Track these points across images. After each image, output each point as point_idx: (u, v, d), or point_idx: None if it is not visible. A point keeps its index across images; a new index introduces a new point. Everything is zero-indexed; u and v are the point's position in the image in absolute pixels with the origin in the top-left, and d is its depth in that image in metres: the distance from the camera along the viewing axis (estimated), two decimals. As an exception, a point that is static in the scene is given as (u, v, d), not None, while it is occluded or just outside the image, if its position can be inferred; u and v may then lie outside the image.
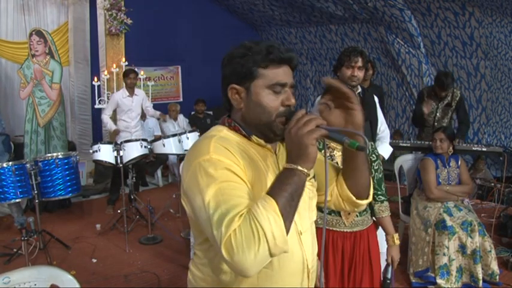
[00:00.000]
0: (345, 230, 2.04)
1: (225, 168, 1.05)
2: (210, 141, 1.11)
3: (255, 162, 1.15)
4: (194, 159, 1.09)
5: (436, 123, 4.07)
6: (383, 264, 2.17)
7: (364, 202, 1.31)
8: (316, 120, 1.04)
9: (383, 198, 2.12)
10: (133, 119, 5.00)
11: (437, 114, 4.07)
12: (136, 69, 5.98)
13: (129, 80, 4.92)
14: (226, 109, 1.25)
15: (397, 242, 2.12)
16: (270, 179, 1.15)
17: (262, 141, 1.18)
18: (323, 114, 1.18)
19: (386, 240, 2.15)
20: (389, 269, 2.09)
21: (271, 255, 0.97)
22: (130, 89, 4.96)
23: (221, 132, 1.18)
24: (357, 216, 2.05)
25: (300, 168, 1.01)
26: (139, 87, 6.20)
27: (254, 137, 1.18)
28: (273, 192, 1.00)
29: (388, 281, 2.08)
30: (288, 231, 1.00)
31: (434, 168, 3.23)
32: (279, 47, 1.15)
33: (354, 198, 1.28)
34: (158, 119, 5.77)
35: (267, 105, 1.14)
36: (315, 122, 1.03)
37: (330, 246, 2.02)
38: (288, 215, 0.99)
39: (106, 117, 4.99)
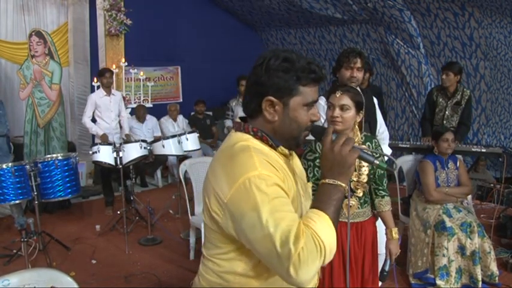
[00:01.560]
0: (346, 220, 2.05)
1: (274, 184, 1.08)
2: (251, 154, 1.11)
3: (285, 171, 1.18)
4: (241, 174, 1.08)
5: (445, 121, 4.07)
6: (382, 259, 2.23)
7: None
8: (352, 140, 1.14)
9: (384, 193, 2.18)
10: (113, 120, 5.02)
11: (447, 112, 4.07)
12: (136, 71, 6.01)
13: (105, 80, 4.94)
14: (248, 115, 1.24)
15: (396, 236, 2.17)
16: (294, 185, 1.21)
17: (286, 151, 1.23)
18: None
19: (386, 234, 2.19)
20: (388, 262, 2.14)
21: (324, 264, 1.05)
22: (107, 89, 4.99)
23: (249, 142, 1.18)
24: (358, 208, 2.13)
25: (343, 184, 1.12)
26: (139, 87, 6.22)
27: (280, 148, 1.21)
28: (322, 206, 1.09)
29: (385, 274, 2.14)
30: None
31: (433, 170, 3.23)
32: (317, 65, 1.19)
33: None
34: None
35: (302, 122, 1.19)
36: (352, 143, 1.14)
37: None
38: (336, 227, 1.09)
39: (88, 121, 5.00)
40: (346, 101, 1.97)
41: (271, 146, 1.19)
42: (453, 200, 3.20)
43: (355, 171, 2.07)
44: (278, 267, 1.02)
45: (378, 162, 1.16)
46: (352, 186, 2.09)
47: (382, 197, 2.17)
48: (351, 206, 2.09)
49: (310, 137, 1.27)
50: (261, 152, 1.14)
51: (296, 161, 1.33)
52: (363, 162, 2.04)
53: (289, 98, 1.16)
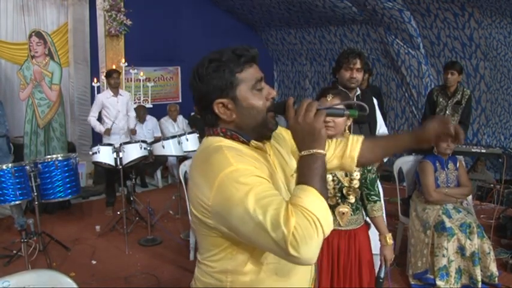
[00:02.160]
0: (340, 229, 2.07)
1: (253, 175, 1.07)
2: (224, 152, 1.11)
3: (262, 164, 1.18)
4: (218, 173, 1.07)
5: None
6: (377, 265, 2.19)
7: (355, 168, 1.46)
8: (314, 103, 1.10)
9: (376, 198, 2.14)
10: (121, 120, 5.00)
11: (447, 112, 4.07)
12: (136, 71, 6.01)
13: (113, 80, 4.92)
14: (210, 125, 1.23)
15: (390, 241, 2.13)
16: (273, 176, 1.20)
17: (260, 144, 1.21)
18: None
19: (380, 240, 2.16)
20: (383, 268, 2.12)
21: (325, 235, 1.02)
22: (115, 89, 4.97)
23: (222, 142, 1.17)
24: (351, 215, 2.08)
25: (319, 151, 1.08)
26: (139, 88, 6.22)
27: (253, 142, 1.20)
28: (305, 179, 1.06)
29: (381, 280, 2.11)
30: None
31: (433, 170, 3.23)
32: (244, 47, 1.17)
33: (355, 162, 1.40)
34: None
35: (258, 105, 1.17)
36: (315, 106, 1.10)
37: (325, 245, 2.01)
38: (325, 195, 1.06)
39: (93, 120, 4.98)
40: (331, 103, 1.92)
41: (243, 142, 1.19)
42: (453, 200, 3.20)
43: (346, 176, 2.05)
44: (279, 253, 1.01)
45: (348, 112, 1.13)
46: (344, 192, 2.05)
47: (375, 202, 2.13)
48: (343, 214, 2.05)
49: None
50: (234, 149, 1.14)
51: (278, 154, 1.31)
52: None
53: (234, 91, 1.15)
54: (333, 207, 2.02)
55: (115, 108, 4.93)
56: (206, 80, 1.16)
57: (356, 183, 2.04)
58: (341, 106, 1.46)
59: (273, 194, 1.05)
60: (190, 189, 1.18)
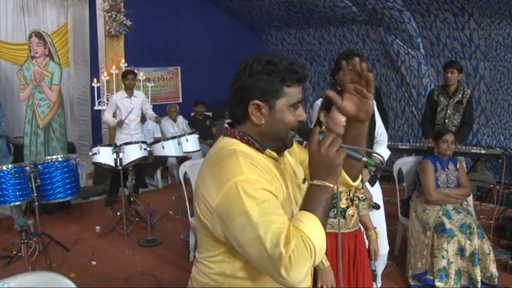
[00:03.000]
0: (349, 231, 2.13)
1: (262, 189, 1.09)
2: (238, 158, 1.13)
3: (272, 174, 1.19)
4: (228, 178, 1.09)
5: (447, 120, 4.08)
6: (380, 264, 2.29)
7: (356, 183, 1.41)
8: (339, 140, 1.13)
9: (364, 197, 2.26)
10: (133, 121, 4.98)
11: (448, 111, 4.07)
12: (135, 70, 6.00)
13: (128, 81, 4.91)
14: (235, 119, 1.25)
15: (377, 235, 2.26)
16: (282, 187, 1.22)
17: (274, 154, 1.23)
18: (334, 128, 1.25)
19: (370, 235, 2.25)
20: (373, 262, 2.22)
21: (314, 265, 1.07)
22: (129, 90, 4.95)
23: (236, 146, 1.19)
24: (357, 216, 2.17)
25: (330, 185, 1.11)
26: (139, 88, 6.21)
27: (267, 151, 1.22)
28: (311, 208, 1.09)
29: (375, 273, 2.23)
30: None
31: (433, 171, 3.23)
32: (300, 65, 1.19)
33: (351, 181, 1.38)
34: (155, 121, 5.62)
35: (288, 123, 1.19)
36: (339, 142, 1.13)
37: (335, 248, 2.05)
38: (325, 228, 1.09)
39: (108, 117, 4.99)
40: None
41: (257, 149, 1.20)
42: (453, 201, 3.20)
43: None
44: (269, 269, 1.03)
45: (366, 159, 1.16)
46: (351, 195, 2.11)
47: (363, 200, 2.24)
48: (352, 216, 2.11)
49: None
50: (248, 155, 1.16)
51: (288, 164, 1.33)
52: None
53: (275, 100, 1.17)
54: (343, 211, 2.10)
55: (128, 109, 4.93)
56: (255, 78, 1.16)
57: (359, 184, 2.06)
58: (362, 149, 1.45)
59: (278, 212, 1.07)
60: (198, 187, 1.19)
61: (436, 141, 3.31)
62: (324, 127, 2.10)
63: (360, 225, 2.24)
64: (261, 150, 1.21)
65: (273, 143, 1.22)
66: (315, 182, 1.11)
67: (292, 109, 1.19)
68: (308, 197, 1.11)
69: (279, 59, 1.17)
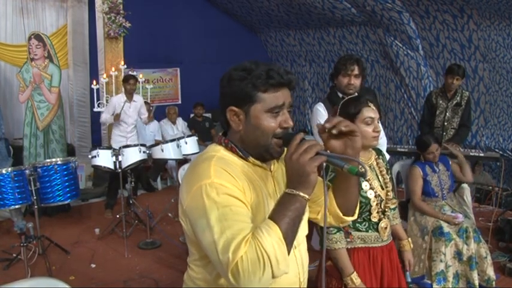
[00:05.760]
0: (382, 244, 1.97)
1: (226, 194, 1.08)
2: (210, 163, 1.13)
3: (254, 182, 1.18)
4: (196, 182, 1.11)
5: (445, 123, 4.08)
6: None
7: (350, 219, 1.36)
8: (316, 146, 1.07)
9: (393, 206, 2.13)
10: (130, 125, 4.98)
11: (447, 114, 4.07)
12: (135, 73, 6.01)
13: (129, 86, 4.89)
14: (223, 128, 1.27)
15: (411, 246, 2.19)
16: (267, 197, 1.20)
17: (258, 162, 1.22)
18: (322, 136, 1.21)
19: (403, 245, 2.17)
20: (408, 273, 2.14)
21: (274, 277, 1.02)
22: (129, 95, 4.94)
23: (218, 153, 1.20)
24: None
25: (301, 194, 1.06)
26: (138, 89, 6.21)
27: (251, 158, 1.21)
28: (275, 217, 1.05)
29: (411, 285, 2.17)
30: (289, 254, 1.06)
31: (421, 177, 3.22)
32: (279, 71, 1.16)
33: (341, 214, 1.33)
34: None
35: (265, 129, 1.16)
36: (315, 149, 1.06)
37: (367, 263, 1.93)
38: (289, 240, 1.05)
39: (104, 116, 4.96)
40: (375, 113, 1.87)
41: (241, 157, 1.20)
42: (433, 216, 3.15)
43: (382, 189, 1.94)
44: (222, 273, 1.05)
45: (348, 167, 1.07)
46: (382, 207, 1.95)
47: (394, 209, 2.13)
48: (385, 228, 1.96)
49: None
50: (224, 161, 1.16)
51: (279, 174, 1.28)
52: (386, 177, 1.97)
53: (250, 106, 1.16)
54: (376, 224, 1.94)
55: (126, 113, 4.92)
56: (230, 84, 1.18)
57: (391, 195, 1.98)
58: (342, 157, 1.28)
59: (238, 219, 1.05)
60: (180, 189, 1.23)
61: (421, 150, 3.27)
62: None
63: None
64: (244, 158, 1.20)
65: (255, 150, 1.19)
66: (286, 190, 1.08)
67: (271, 115, 1.15)
68: (276, 205, 1.08)
69: (256, 66, 1.16)
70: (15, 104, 5.67)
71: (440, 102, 4.11)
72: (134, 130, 5.09)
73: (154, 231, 4.36)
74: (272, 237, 1.01)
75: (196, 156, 1.28)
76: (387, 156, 2.99)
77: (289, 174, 1.09)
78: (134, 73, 6.08)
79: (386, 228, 1.97)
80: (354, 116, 1.84)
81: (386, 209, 1.97)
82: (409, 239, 2.19)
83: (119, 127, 4.94)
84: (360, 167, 1.08)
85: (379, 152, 2.06)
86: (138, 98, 5.09)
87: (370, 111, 1.85)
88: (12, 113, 5.79)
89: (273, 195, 1.23)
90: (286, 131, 1.18)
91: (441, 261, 2.96)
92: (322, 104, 2.76)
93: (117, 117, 4.84)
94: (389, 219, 2.02)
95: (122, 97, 4.94)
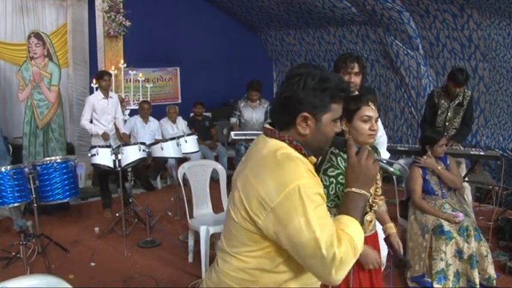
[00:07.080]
0: (366, 235, 1.99)
1: (317, 193, 1.19)
2: (298, 163, 1.22)
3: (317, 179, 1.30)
4: (289, 182, 1.16)
5: (447, 123, 4.07)
6: None
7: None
8: (372, 152, 1.30)
9: (380, 191, 2.17)
10: (110, 122, 4.99)
11: (449, 114, 4.07)
12: (135, 72, 6.00)
13: (104, 82, 4.87)
14: (280, 125, 1.30)
15: (396, 228, 2.22)
16: None
17: (314, 159, 1.33)
18: (359, 139, 1.59)
19: (388, 229, 2.18)
20: (399, 252, 2.14)
21: None
22: (105, 91, 4.93)
23: (287, 150, 1.26)
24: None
25: (367, 194, 1.28)
26: (138, 88, 6.21)
27: (311, 157, 1.31)
28: (352, 213, 1.24)
29: (406, 259, 2.29)
30: None
31: (421, 176, 3.24)
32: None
33: None
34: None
35: (330, 136, 1.31)
36: (373, 155, 1.29)
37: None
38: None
39: (87, 123, 4.90)
40: (374, 113, 1.93)
41: (303, 154, 1.28)
42: (437, 215, 3.16)
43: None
44: (320, 268, 1.14)
45: (392, 170, 1.32)
46: (370, 201, 2.01)
47: (380, 195, 2.16)
48: (370, 221, 2.04)
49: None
50: (302, 161, 1.25)
51: None
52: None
53: (322, 115, 1.26)
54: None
55: (105, 110, 4.91)
56: (308, 92, 1.23)
57: (379, 191, 2.04)
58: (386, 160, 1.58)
59: (329, 216, 1.20)
60: (251, 185, 1.22)
61: (430, 146, 3.29)
62: (346, 136, 2.04)
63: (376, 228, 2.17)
64: (306, 156, 1.29)
65: (313, 152, 1.31)
66: (353, 189, 1.25)
67: (334, 123, 1.29)
68: (348, 203, 1.25)
69: (330, 76, 1.25)
70: (15, 103, 5.66)
71: (442, 102, 4.10)
72: (113, 129, 5.08)
73: (154, 230, 4.35)
74: (357, 230, 1.20)
75: (264, 151, 1.26)
76: (387, 155, 2.99)
77: (356, 176, 1.27)
78: (134, 72, 6.09)
79: (371, 221, 2.05)
80: (353, 112, 1.89)
81: (374, 204, 2.03)
82: (392, 223, 2.18)
83: (99, 126, 4.92)
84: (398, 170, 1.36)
85: (375, 150, 2.12)
86: (114, 95, 5.11)
87: (369, 110, 1.90)
88: (11, 112, 5.78)
89: None
90: (335, 136, 1.35)
91: (441, 259, 2.96)
92: None
93: (105, 135, 4.81)
94: (375, 212, 2.09)
95: (98, 95, 4.93)
